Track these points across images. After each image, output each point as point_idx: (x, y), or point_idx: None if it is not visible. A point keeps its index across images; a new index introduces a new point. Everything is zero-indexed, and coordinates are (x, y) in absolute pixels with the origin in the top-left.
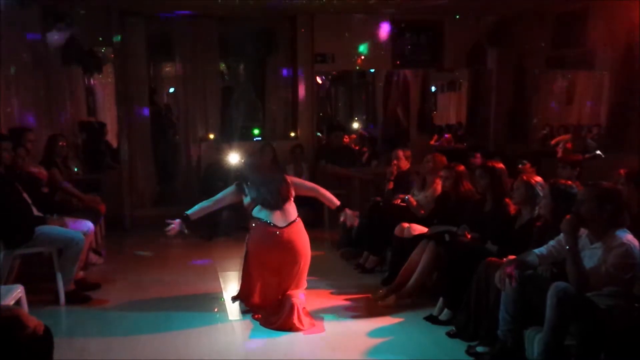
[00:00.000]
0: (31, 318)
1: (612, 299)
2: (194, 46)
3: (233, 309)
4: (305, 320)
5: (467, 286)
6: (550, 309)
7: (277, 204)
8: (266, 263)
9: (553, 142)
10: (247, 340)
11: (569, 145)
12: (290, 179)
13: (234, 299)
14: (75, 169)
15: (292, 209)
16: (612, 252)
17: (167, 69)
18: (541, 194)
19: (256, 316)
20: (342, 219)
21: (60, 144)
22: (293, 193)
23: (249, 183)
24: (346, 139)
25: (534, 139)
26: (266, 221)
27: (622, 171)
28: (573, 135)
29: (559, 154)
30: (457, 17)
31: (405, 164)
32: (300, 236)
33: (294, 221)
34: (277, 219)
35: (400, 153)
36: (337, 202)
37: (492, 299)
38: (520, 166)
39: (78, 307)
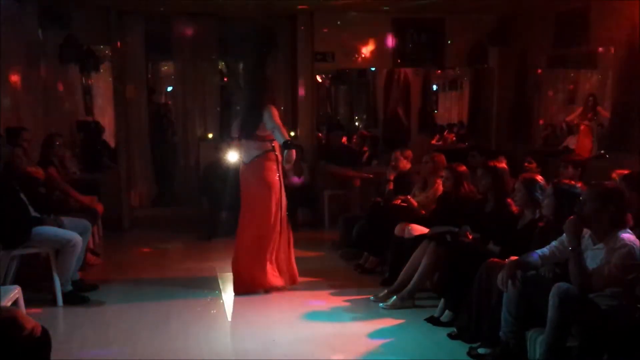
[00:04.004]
0: (29, 319)
1: (615, 299)
2: (192, 45)
3: (232, 310)
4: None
5: (469, 287)
6: (553, 310)
7: (243, 133)
8: None
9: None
10: (247, 340)
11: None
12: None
13: None
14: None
15: (261, 144)
16: (614, 253)
17: (165, 68)
18: (540, 195)
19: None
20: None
21: (57, 143)
22: (260, 132)
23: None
24: (346, 139)
25: (536, 138)
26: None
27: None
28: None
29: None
30: (458, 15)
31: (404, 165)
32: (254, 175)
33: (255, 157)
34: (244, 152)
35: (398, 154)
36: (286, 137)
37: (494, 300)
38: (526, 164)
39: (76, 308)
